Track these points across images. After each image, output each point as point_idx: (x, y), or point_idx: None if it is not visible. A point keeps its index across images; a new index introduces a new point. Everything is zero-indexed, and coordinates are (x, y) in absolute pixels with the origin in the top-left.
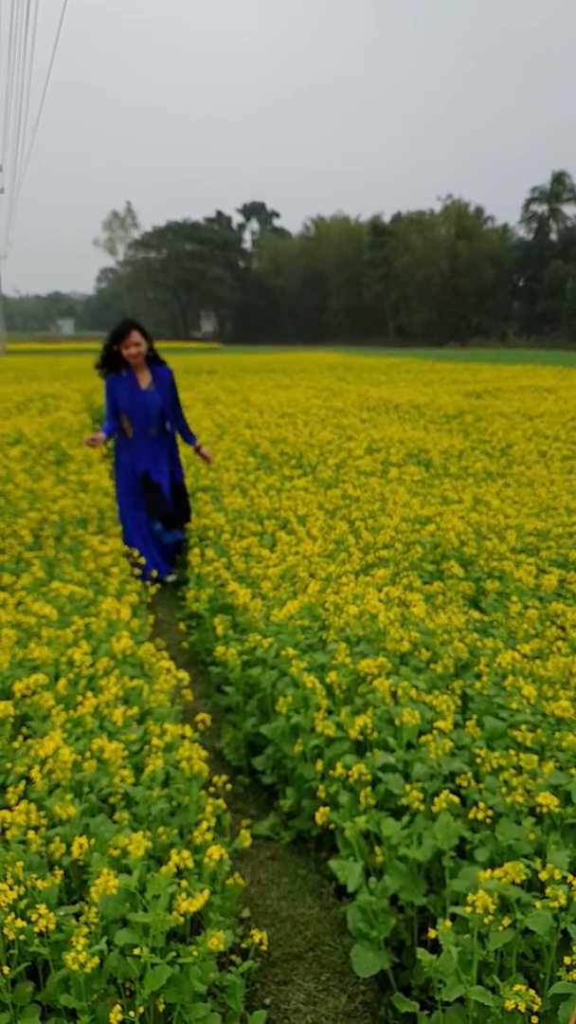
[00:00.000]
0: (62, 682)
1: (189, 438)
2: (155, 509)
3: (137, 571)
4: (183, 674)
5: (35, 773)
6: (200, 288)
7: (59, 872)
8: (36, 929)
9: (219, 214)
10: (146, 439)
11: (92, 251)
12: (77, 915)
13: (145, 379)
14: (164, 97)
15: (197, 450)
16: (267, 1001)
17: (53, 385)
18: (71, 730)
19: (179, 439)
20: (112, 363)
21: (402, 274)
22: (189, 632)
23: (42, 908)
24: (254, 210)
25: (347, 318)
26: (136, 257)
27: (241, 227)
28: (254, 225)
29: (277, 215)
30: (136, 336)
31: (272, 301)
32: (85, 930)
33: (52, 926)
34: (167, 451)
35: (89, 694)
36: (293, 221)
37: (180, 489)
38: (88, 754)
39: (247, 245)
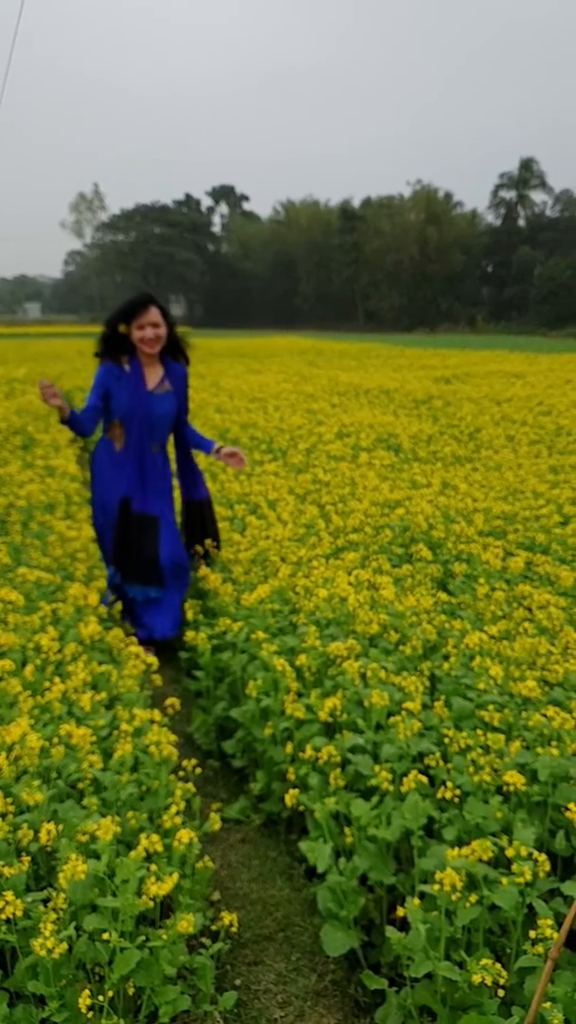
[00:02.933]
0: (29, 668)
1: (204, 444)
2: (130, 556)
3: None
4: (152, 659)
5: (2, 759)
6: (169, 272)
7: (27, 859)
8: (3, 916)
9: (188, 197)
10: (140, 458)
11: (59, 233)
12: (45, 901)
13: (155, 376)
14: (132, 78)
15: (218, 453)
16: (237, 982)
17: (20, 369)
18: (38, 716)
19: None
20: (114, 349)
21: (372, 259)
22: None
23: (9, 895)
24: (223, 193)
25: (317, 303)
26: (104, 240)
27: (210, 210)
28: (223, 209)
29: (247, 198)
30: (155, 315)
31: (242, 285)
32: (53, 916)
33: (20, 913)
34: (162, 480)
35: (57, 680)
36: (263, 205)
37: (205, 507)
38: (56, 740)
39: (216, 229)
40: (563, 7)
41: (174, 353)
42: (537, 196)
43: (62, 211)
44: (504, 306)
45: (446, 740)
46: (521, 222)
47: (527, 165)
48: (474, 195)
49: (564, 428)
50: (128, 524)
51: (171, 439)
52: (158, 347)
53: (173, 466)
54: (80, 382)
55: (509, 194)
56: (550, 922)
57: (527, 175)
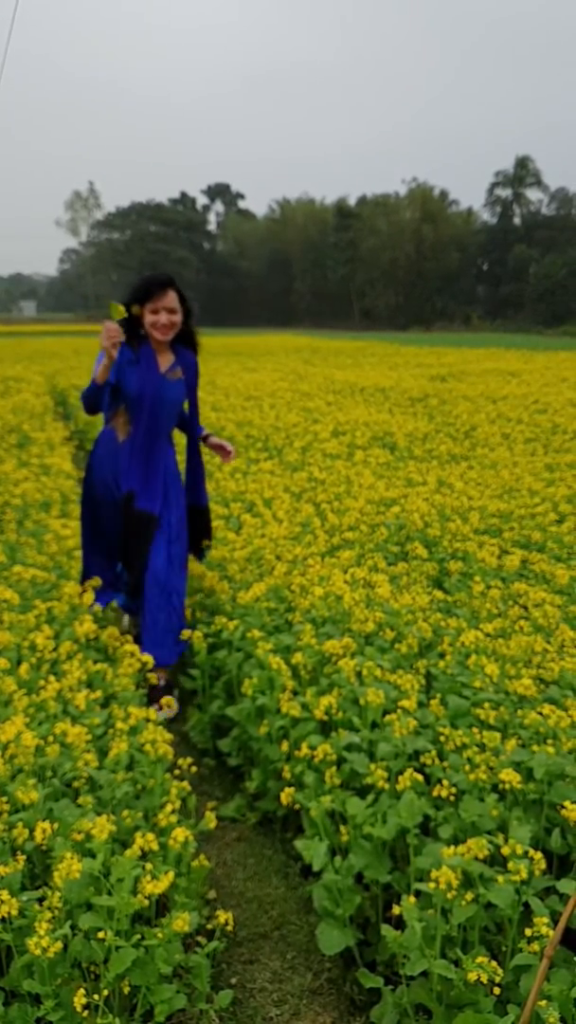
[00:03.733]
0: (24, 666)
1: (195, 428)
2: (130, 560)
3: (97, 608)
4: (147, 657)
5: None
6: (164, 270)
7: (22, 857)
8: None
9: (183, 195)
10: (147, 446)
11: (54, 231)
12: (40, 900)
13: (166, 362)
14: (128, 76)
15: (205, 440)
16: (233, 980)
17: (15, 368)
18: (34, 715)
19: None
20: (127, 332)
21: (367, 257)
22: None
23: (4, 894)
24: (219, 191)
25: (313, 301)
26: (99, 238)
27: (206, 208)
28: (219, 207)
29: (242, 197)
30: (172, 299)
31: (237, 283)
32: (49, 915)
33: (15, 912)
34: (166, 468)
35: (52, 678)
36: (258, 203)
37: (206, 514)
38: (51, 738)
39: (212, 227)
40: (559, 3)
41: (185, 341)
42: (533, 194)
43: (57, 209)
44: (500, 304)
45: (442, 738)
46: (517, 220)
47: (523, 163)
48: (470, 193)
49: (560, 426)
50: (128, 522)
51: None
52: (171, 334)
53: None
54: (76, 380)
55: (505, 192)
56: (546, 920)
57: (523, 173)
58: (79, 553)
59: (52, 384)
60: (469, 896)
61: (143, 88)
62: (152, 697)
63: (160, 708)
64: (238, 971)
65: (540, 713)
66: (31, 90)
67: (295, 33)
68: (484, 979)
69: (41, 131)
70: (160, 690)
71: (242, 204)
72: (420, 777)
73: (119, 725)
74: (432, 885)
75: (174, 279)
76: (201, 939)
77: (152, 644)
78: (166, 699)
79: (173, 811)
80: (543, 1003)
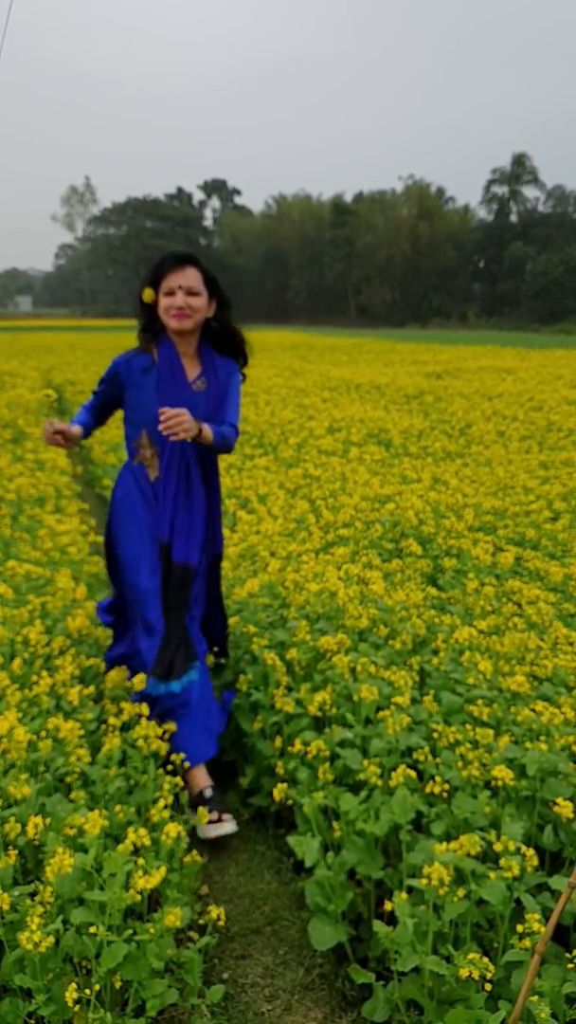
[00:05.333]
0: (17, 661)
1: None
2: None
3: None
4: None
5: None
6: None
7: (14, 852)
8: None
9: (180, 191)
10: (181, 484)
11: (50, 227)
12: (32, 895)
13: (194, 367)
14: (125, 71)
15: None
16: (225, 976)
17: (10, 363)
18: (26, 710)
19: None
20: (146, 326)
21: (364, 254)
22: None
23: None
24: (215, 187)
25: (309, 297)
26: (95, 233)
27: (202, 204)
28: (215, 203)
29: (239, 193)
30: (192, 277)
31: (233, 279)
32: (40, 910)
33: (7, 906)
34: (203, 514)
35: (45, 674)
36: (255, 199)
37: (212, 566)
38: (44, 734)
39: (208, 223)
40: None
41: (223, 344)
42: (529, 192)
43: (53, 204)
44: (496, 302)
45: (435, 735)
46: (513, 218)
47: (519, 160)
48: (466, 190)
49: (555, 424)
50: (169, 580)
51: None
52: (189, 323)
53: None
54: (71, 375)
55: (501, 189)
56: (537, 916)
57: (519, 170)
58: (73, 549)
59: (47, 379)
60: (461, 893)
61: (139, 83)
62: (198, 804)
63: (215, 821)
64: (230, 966)
65: (533, 710)
66: (26, 86)
67: (292, 29)
68: (476, 975)
69: (37, 126)
70: (207, 799)
71: (239, 200)
72: (413, 773)
73: (112, 720)
74: (424, 881)
75: (198, 257)
76: (193, 934)
77: (201, 725)
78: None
79: (166, 806)
80: (534, 999)
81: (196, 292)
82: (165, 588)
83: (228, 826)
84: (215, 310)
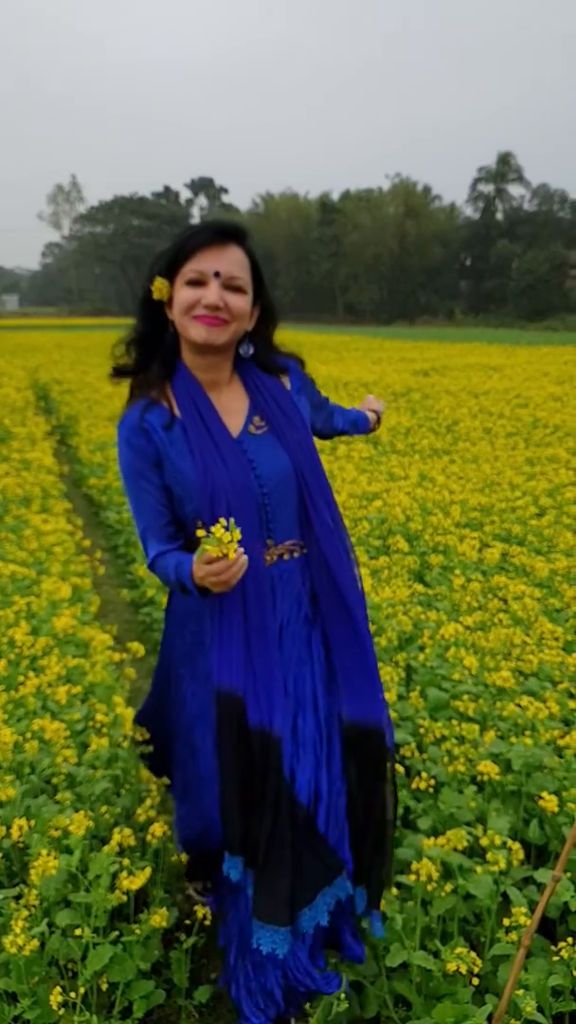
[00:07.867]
0: (2, 662)
1: (357, 418)
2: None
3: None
4: (137, 646)
5: None
6: (148, 264)
7: None
8: None
9: (167, 189)
10: (252, 596)
11: (37, 225)
12: (17, 898)
13: (237, 405)
14: (112, 69)
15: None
16: (212, 976)
17: None
18: (12, 711)
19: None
20: (149, 344)
21: (351, 252)
22: (137, 612)
23: None
24: (202, 185)
25: (297, 296)
26: (82, 232)
27: (189, 202)
28: (202, 201)
29: (226, 191)
30: (236, 259)
31: None
32: (25, 913)
33: None
34: (298, 642)
35: (31, 674)
36: (242, 197)
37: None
38: (29, 735)
39: (195, 221)
40: (544, 3)
41: (264, 357)
42: (515, 190)
43: (40, 202)
44: (482, 299)
45: (421, 730)
46: (499, 216)
47: (505, 159)
48: (453, 189)
49: (541, 420)
50: (244, 750)
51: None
52: (223, 334)
53: None
54: (58, 374)
55: (487, 188)
56: (524, 910)
57: (505, 169)
58: (59, 549)
59: (34, 378)
60: (448, 887)
61: (128, 80)
62: None
63: None
64: (218, 966)
65: (519, 705)
66: (12, 81)
67: (279, 28)
68: (463, 970)
69: (22, 123)
70: None
71: (226, 198)
72: (400, 769)
73: (99, 717)
74: (412, 877)
75: (239, 229)
76: (180, 935)
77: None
78: None
79: (152, 806)
80: (520, 992)
81: (239, 287)
82: (239, 757)
83: None
84: (255, 320)
